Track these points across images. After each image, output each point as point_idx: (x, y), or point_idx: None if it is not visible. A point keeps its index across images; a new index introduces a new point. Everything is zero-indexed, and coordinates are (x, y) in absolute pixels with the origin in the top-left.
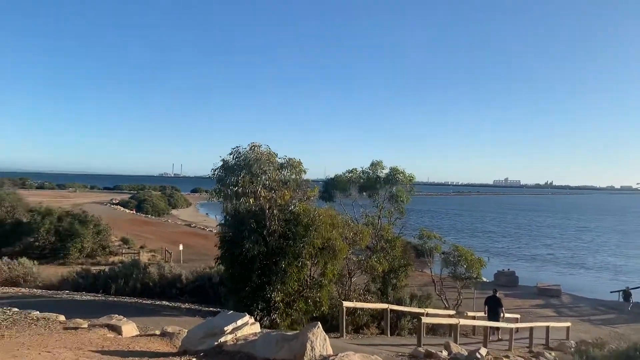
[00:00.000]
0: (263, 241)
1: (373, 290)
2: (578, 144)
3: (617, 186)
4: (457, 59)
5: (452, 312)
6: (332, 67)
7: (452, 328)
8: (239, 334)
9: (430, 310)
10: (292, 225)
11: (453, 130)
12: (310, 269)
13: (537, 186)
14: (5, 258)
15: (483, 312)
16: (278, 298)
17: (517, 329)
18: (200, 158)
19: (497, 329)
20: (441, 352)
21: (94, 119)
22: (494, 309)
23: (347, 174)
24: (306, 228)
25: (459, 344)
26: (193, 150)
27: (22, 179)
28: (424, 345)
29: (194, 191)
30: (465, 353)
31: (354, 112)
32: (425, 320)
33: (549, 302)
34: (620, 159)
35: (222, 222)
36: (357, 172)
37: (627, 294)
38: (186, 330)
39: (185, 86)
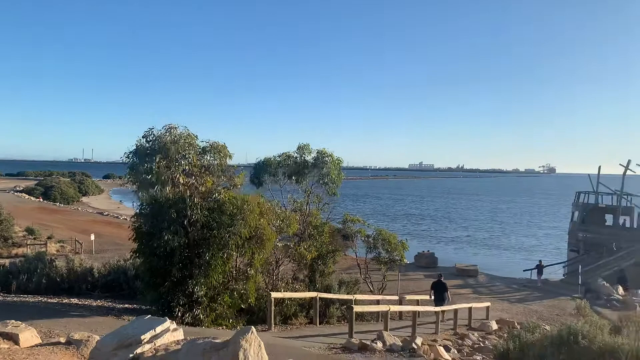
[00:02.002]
0: (184, 232)
1: (301, 278)
2: (486, 130)
3: (522, 169)
4: (375, 43)
5: (379, 296)
6: (247, 48)
7: (382, 315)
8: (159, 342)
9: (359, 296)
10: (217, 215)
11: (371, 114)
12: (236, 260)
13: (449, 169)
14: None
15: (428, 296)
16: (201, 292)
17: (444, 312)
18: (113, 142)
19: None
20: (375, 342)
21: None
22: (439, 293)
23: (277, 158)
24: (232, 217)
25: (390, 330)
26: (105, 133)
27: None
28: (355, 333)
29: (106, 177)
30: (400, 343)
31: (274, 96)
32: (357, 309)
33: (467, 282)
34: (524, 144)
35: (138, 212)
36: (287, 156)
37: (539, 268)
38: (96, 337)
39: (91, 61)
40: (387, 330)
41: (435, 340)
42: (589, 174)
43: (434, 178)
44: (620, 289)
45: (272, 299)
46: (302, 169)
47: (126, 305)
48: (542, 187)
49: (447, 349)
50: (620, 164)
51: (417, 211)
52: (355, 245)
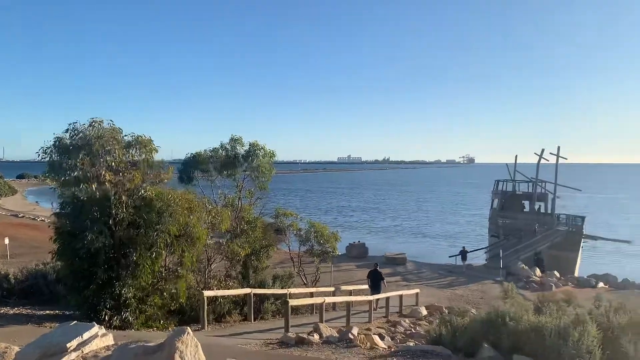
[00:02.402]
0: (109, 231)
1: (234, 275)
2: (409, 123)
3: (444, 160)
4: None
5: (312, 289)
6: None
7: (316, 307)
8: (87, 349)
9: (293, 290)
10: (144, 212)
11: (299, 110)
12: (166, 259)
13: (376, 162)
14: None
15: (367, 285)
16: (129, 294)
17: (377, 300)
18: (26, 140)
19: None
20: (312, 335)
21: None
22: (375, 282)
23: (209, 152)
24: (159, 214)
25: (325, 321)
26: (18, 130)
27: None
28: (291, 327)
29: (20, 177)
30: (336, 334)
31: (201, 92)
32: (292, 303)
33: (396, 270)
34: (446, 136)
35: (58, 211)
36: (218, 150)
37: (463, 253)
38: (16, 348)
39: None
40: (322, 322)
41: (369, 329)
42: (506, 163)
43: (362, 170)
44: (538, 271)
45: (205, 298)
46: (233, 161)
47: (48, 312)
48: (463, 177)
49: (382, 337)
50: (535, 153)
51: (347, 203)
52: (288, 239)
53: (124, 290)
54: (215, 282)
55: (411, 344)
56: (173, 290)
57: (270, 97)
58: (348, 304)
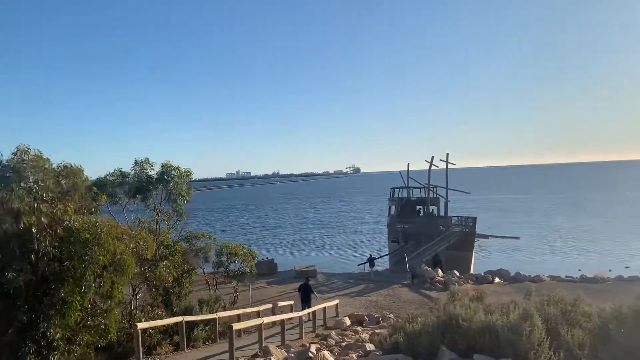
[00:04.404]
0: (30, 268)
1: (156, 304)
2: (298, 137)
3: (332, 171)
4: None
5: (239, 311)
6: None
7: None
8: None
9: (221, 314)
10: (70, 244)
11: (180, 127)
12: (92, 292)
13: (266, 176)
14: None
15: (285, 302)
16: (57, 335)
17: (308, 314)
18: None
19: (308, 314)
20: (269, 358)
21: None
22: (306, 295)
23: (110, 177)
24: (85, 245)
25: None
26: None
27: None
28: (235, 350)
29: None
30: (292, 355)
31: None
32: (237, 326)
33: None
34: (332, 148)
35: None
36: (124, 173)
37: (371, 261)
38: None
39: None
40: (263, 344)
41: (304, 345)
42: (400, 171)
43: (253, 185)
44: (440, 272)
45: (139, 331)
46: (146, 185)
47: None
48: (352, 186)
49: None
50: (425, 160)
51: (244, 220)
52: (202, 261)
53: (50, 331)
54: (142, 313)
55: (353, 355)
56: (102, 326)
57: (153, 113)
58: (282, 322)
